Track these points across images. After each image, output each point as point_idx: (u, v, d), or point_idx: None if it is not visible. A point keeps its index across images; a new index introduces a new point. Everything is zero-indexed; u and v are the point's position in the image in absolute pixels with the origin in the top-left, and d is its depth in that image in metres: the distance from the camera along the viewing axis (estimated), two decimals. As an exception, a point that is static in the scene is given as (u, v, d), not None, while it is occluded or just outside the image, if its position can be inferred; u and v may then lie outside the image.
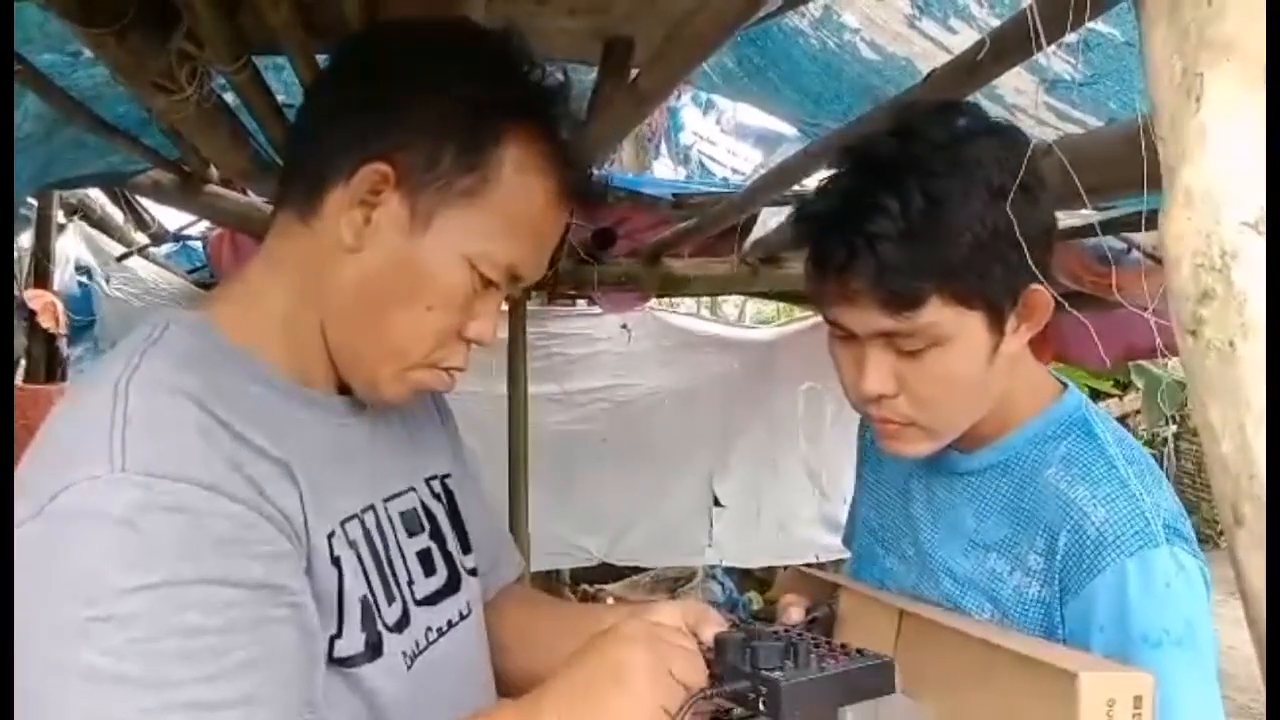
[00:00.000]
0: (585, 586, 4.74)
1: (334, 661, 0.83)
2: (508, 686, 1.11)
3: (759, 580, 4.75)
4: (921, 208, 0.94)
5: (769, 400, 4.79)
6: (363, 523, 0.90)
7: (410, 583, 0.94)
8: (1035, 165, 0.98)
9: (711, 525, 4.80)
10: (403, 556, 0.94)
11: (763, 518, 4.79)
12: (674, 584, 4.72)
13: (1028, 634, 1.03)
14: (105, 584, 0.68)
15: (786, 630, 0.95)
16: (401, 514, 0.97)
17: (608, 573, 4.72)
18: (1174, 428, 8.47)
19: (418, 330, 0.88)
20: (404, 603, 0.92)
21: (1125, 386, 6.23)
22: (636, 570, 4.84)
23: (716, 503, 4.87)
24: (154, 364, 0.79)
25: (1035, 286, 1.00)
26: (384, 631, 0.88)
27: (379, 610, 0.88)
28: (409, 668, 0.89)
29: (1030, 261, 0.97)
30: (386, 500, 0.95)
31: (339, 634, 0.83)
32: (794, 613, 1.13)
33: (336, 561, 0.84)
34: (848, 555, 1.44)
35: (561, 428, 4.51)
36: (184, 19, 1.28)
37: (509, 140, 0.88)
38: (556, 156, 0.91)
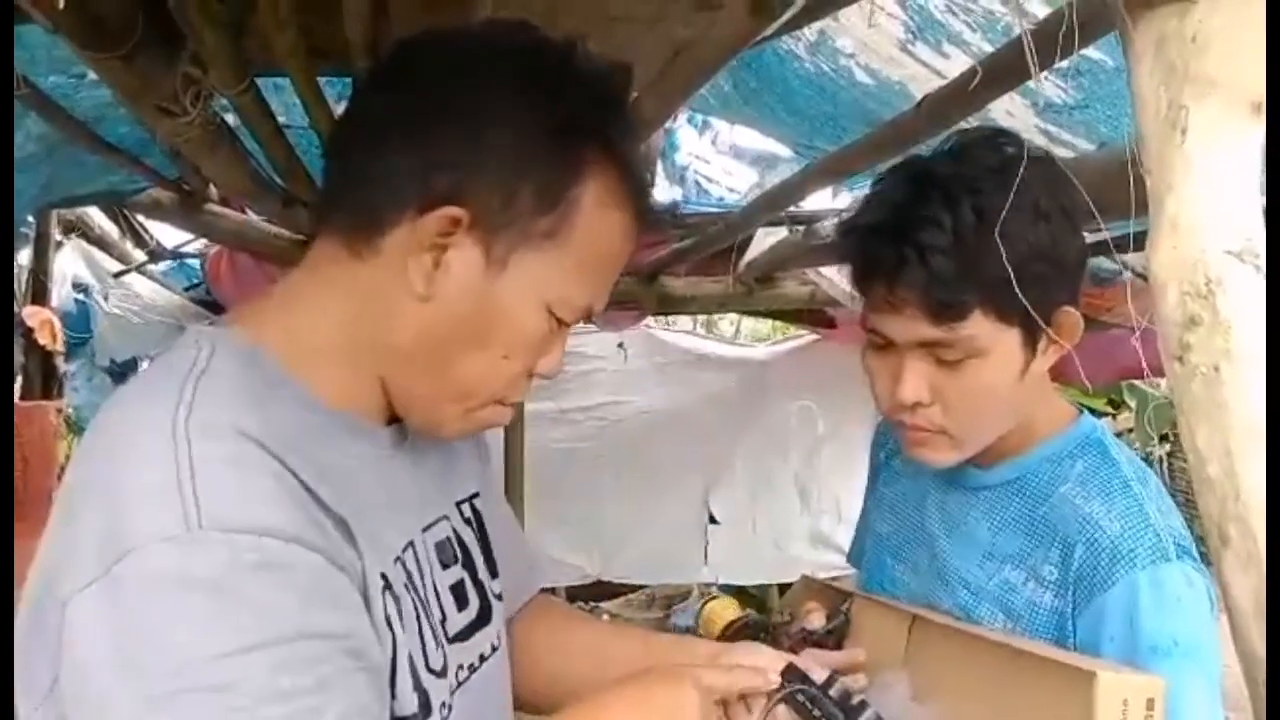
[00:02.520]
0: (581, 604, 4.73)
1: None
2: (528, 704, 1.09)
3: (754, 598, 4.74)
4: (971, 223, 0.98)
5: (763, 418, 4.80)
6: (404, 564, 0.85)
7: (444, 620, 0.90)
8: (1074, 195, 1.02)
9: (707, 543, 4.80)
10: (437, 594, 0.90)
11: (758, 536, 4.79)
12: (669, 601, 4.72)
13: (1040, 642, 1.06)
14: (193, 652, 0.64)
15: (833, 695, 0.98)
16: (437, 545, 0.92)
17: (604, 590, 4.71)
18: (1167, 447, 8.48)
19: (491, 376, 0.83)
20: (441, 644, 0.88)
21: (1119, 405, 6.25)
22: (632, 588, 4.82)
23: (712, 520, 4.87)
24: (210, 402, 0.73)
25: (1068, 308, 1.04)
26: (429, 683, 0.84)
27: (427, 659, 0.85)
28: (447, 716, 0.86)
29: (1067, 285, 1.04)
30: (424, 530, 0.91)
31: (393, 695, 0.79)
32: (815, 619, 1.17)
33: (389, 621, 0.79)
34: (839, 573, 1.46)
35: (557, 445, 4.52)
36: (189, 42, 1.29)
37: (589, 175, 0.81)
38: (633, 187, 0.85)
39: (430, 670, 0.84)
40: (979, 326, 1.01)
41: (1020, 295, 0.98)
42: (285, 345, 0.81)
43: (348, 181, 0.84)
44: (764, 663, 1.00)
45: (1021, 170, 0.93)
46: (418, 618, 0.84)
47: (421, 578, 0.87)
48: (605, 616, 4.72)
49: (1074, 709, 0.89)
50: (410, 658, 0.81)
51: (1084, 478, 1.10)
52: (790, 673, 0.98)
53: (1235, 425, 0.43)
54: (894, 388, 1.08)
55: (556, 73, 0.82)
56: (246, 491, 0.69)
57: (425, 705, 0.82)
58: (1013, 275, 0.97)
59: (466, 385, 0.83)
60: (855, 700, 0.96)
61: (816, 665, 1.03)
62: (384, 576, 0.80)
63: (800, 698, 0.96)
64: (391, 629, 0.79)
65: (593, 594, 4.75)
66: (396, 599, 0.81)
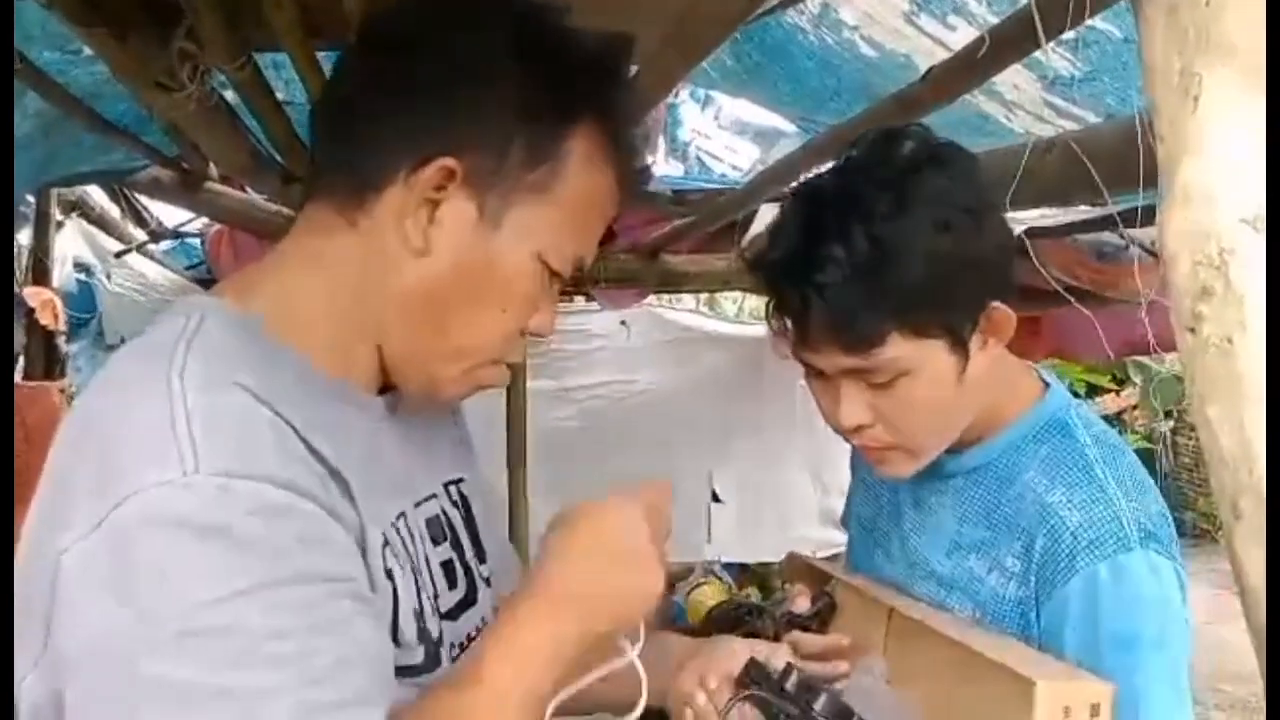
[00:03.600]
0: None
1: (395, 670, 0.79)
2: None
3: (758, 576, 4.75)
4: (867, 252, 0.96)
5: (767, 395, 4.79)
6: (397, 530, 0.85)
7: (436, 595, 0.90)
8: (980, 188, 1.02)
9: (710, 521, 4.81)
10: (429, 567, 0.90)
11: (761, 513, 4.79)
12: (673, 579, 4.72)
13: (1005, 633, 1.05)
14: (194, 596, 0.64)
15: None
16: (427, 520, 0.92)
17: (607, 568, 4.71)
18: (1171, 423, 8.49)
19: (490, 331, 0.84)
20: (436, 617, 0.88)
21: (1123, 382, 6.25)
22: (635, 566, 4.83)
23: (715, 498, 4.88)
24: (202, 358, 0.73)
25: (996, 304, 1.02)
26: (436, 643, 0.85)
27: (426, 622, 0.85)
28: None
29: (988, 283, 1.01)
30: (415, 506, 0.90)
31: (397, 644, 0.80)
32: (801, 601, 1.17)
33: (390, 574, 0.80)
34: (842, 549, 1.46)
35: (560, 424, 4.52)
36: (185, 18, 1.28)
37: (579, 132, 0.83)
38: (621, 145, 0.87)
39: (431, 636, 0.84)
40: (899, 348, 0.99)
41: (934, 311, 0.97)
42: (277, 315, 0.81)
43: (337, 148, 0.84)
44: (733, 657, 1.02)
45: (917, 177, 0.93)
46: (415, 583, 0.85)
47: (413, 548, 0.87)
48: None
49: (1019, 711, 0.89)
50: (414, 610, 0.83)
51: (1047, 464, 1.08)
52: (751, 668, 1.00)
53: (1248, 397, 0.42)
54: (834, 412, 1.07)
55: (550, 32, 0.84)
56: (244, 440, 0.70)
57: (432, 656, 0.83)
58: (922, 293, 0.96)
59: (465, 342, 0.84)
60: (812, 688, 0.96)
61: (779, 655, 1.03)
62: (383, 535, 0.80)
63: (759, 695, 0.97)
64: (392, 580, 0.80)
65: (596, 572, 4.75)
66: (396, 554, 0.82)
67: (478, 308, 0.82)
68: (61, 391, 3.42)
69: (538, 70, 0.81)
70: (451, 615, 0.91)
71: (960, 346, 1.02)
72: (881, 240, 0.95)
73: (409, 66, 0.82)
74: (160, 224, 4.36)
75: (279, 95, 1.75)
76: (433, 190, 0.79)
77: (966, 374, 1.03)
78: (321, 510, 0.71)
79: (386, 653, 0.76)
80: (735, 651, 1.04)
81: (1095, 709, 0.88)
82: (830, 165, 1.12)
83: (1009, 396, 1.12)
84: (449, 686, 0.78)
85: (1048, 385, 1.16)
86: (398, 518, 0.85)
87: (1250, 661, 0.46)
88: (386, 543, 0.80)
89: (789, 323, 1.06)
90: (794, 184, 1.12)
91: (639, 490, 0.91)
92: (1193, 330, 0.47)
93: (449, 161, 0.78)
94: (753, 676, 0.99)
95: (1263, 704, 0.45)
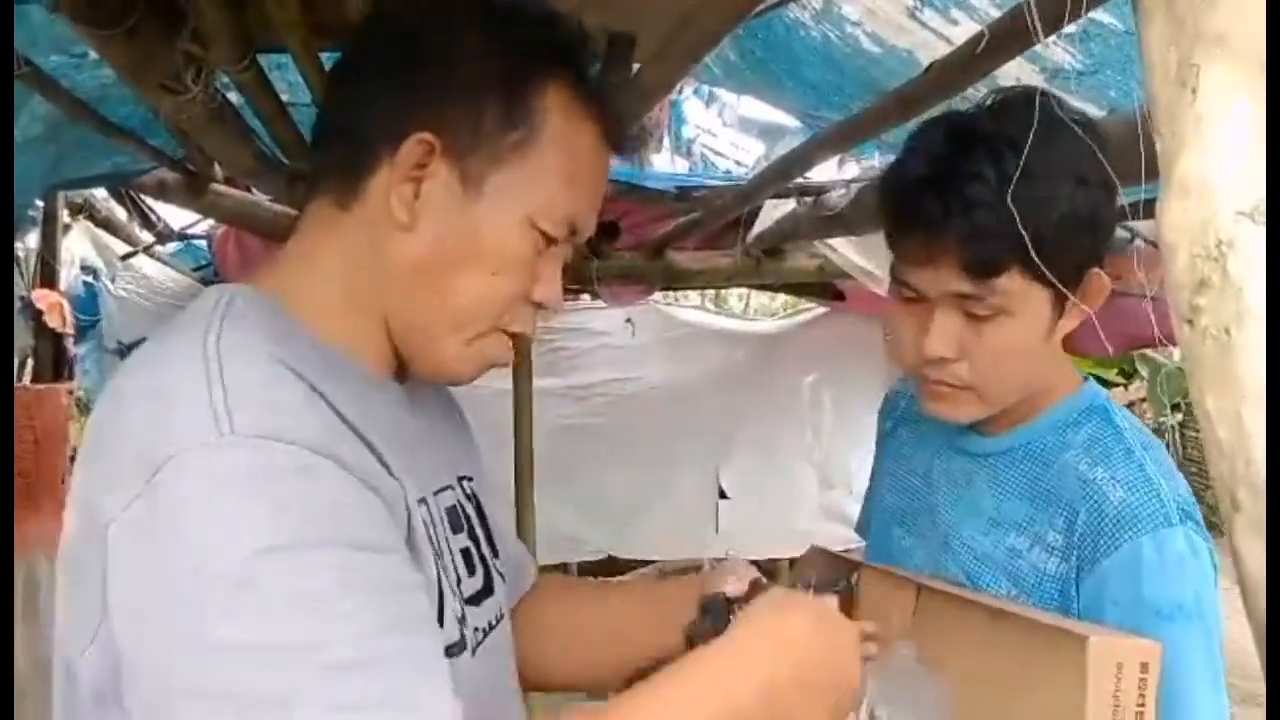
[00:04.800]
0: (592, 579, 4.75)
1: None
2: (546, 676, 1.11)
3: (766, 571, 4.75)
4: (1016, 181, 0.97)
5: (772, 392, 4.80)
6: (428, 508, 0.87)
7: (459, 581, 0.91)
8: (1110, 160, 1.02)
9: (717, 517, 4.81)
10: (450, 553, 0.91)
11: (767, 509, 4.80)
12: (680, 575, 4.73)
13: (1042, 608, 1.06)
14: (236, 550, 0.64)
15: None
16: (447, 509, 0.93)
17: (615, 566, 4.73)
18: (1179, 416, 8.47)
19: (485, 297, 0.85)
20: (460, 600, 0.89)
21: (1130, 375, 6.23)
22: (643, 563, 4.84)
23: (722, 495, 4.88)
24: (237, 330, 0.75)
25: (1098, 271, 1.04)
26: (463, 624, 0.86)
27: (458, 599, 0.87)
28: (475, 663, 0.87)
29: (1098, 248, 1.05)
30: (435, 493, 0.92)
31: (440, 621, 0.81)
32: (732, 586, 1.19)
33: (433, 542, 0.83)
34: (850, 545, 1.46)
35: (566, 421, 4.52)
36: (189, 19, 1.28)
37: (550, 89, 0.85)
38: (597, 101, 0.89)
39: (459, 617, 0.86)
40: (1013, 283, 1.02)
41: (1055, 258, 0.98)
42: (293, 297, 0.84)
43: (331, 144, 0.88)
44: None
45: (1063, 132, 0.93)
46: (440, 566, 0.86)
47: (436, 531, 0.88)
48: (617, 591, 4.73)
49: (1068, 674, 0.89)
50: (451, 586, 0.85)
51: (1088, 444, 1.11)
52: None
53: (1247, 388, 0.42)
54: (921, 341, 1.08)
55: (513, 6, 0.87)
56: (279, 405, 0.71)
57: (462, 639, 0.85)
58: (1051, 237, 0.97)
59: (463, 309, 0.85)
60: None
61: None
62: (415, 506, 0.82)
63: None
64: (434, 545, 0.82)
65: (604, 570, 4.76)
66: (429, 530, 0.84)
67: (469, 274, 0.84)
68: (70, 394, 3.44)
69: (498, 37, 0.84)
70: (474, 601, 0.93)
71: (1060, 301, 1.04)
72: (1030, 174, 0.96)
73: (381, 55, 0.86)
74: (167, 226, 4.38)
75: (283, 97, 1.76)
76: (415, 167, 0.82)
77: (1054, 331, 1.06)
78: (360, 484, 0.72)
79: (435, 623, 0.77)
80: (737, 573, 1.08)
81: (1145, 667, 0.89)
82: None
83: (1053, 379, 1.15)
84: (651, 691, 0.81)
85: (1085, 378, 1.19)
86: (419, 502, 0.86)
87: (1243, 653, 0.46)
88: (424, 518, 0.83)
89: (904, 242, 1.08)
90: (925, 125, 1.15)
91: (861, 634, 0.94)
92: (1191, 322, 0.47)
93: (425, 136, 0.81)
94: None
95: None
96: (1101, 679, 0.88)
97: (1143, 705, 0.89)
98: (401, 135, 0.81)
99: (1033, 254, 0.96)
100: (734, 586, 1.14)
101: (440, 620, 0.81)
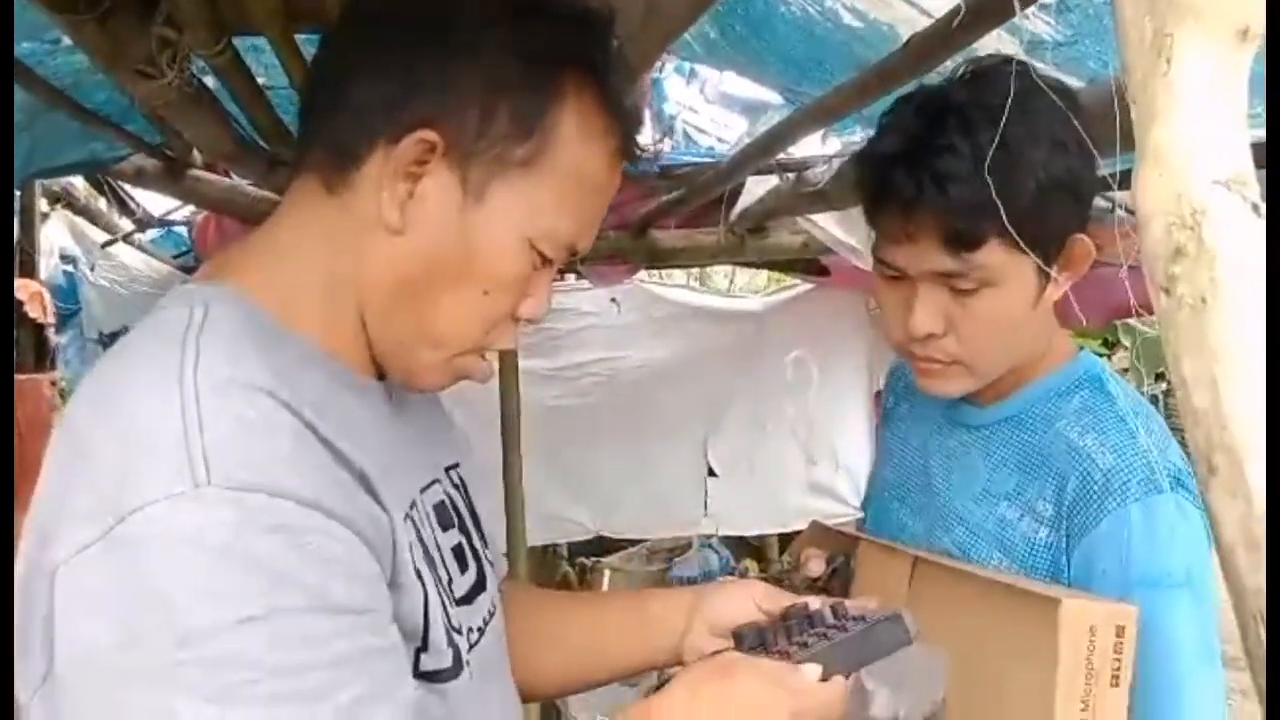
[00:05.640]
0: (582, 560, 4.77)
1: (419, 676, 0.77)
2: (534, 690, 1.07)
3: (754, 548, 4.78)
4: (991, 151, 0.96)
5: (760, 369, 4.80)
6: (413, 521, 0.82)
7: (450, 581, 0.87)
8: (1087, 126, 1.01)
9: (706, 495, 4.83)
10: (440, 553, 0.87)
11: (756, 486, 4.81)
12: (669, 554, 4.75)
13: (1033, 579, 1.07)
14: (199, 620, 0.59)
15: (812, 610, 0.98)
16: (435, 506, 0.89)
17: (604, 545, 4.74)
18: (1163, 385, 8.53)
19: (470, 317, 0.79)
20: (452, 604, 0.86)
21: (1113, 345, 6.26)
22: (633, 542, 4.86)
23: (711, 473, 4.89)
24: (217, 355, 0.68)
25: (1081, 236, 1.04)
26: (456, 638, 0.82)
27: (448, 615, 0.82)
28: (470, 676, 0.85)
29: (1081, 214, 1.05)
30: (422, 492, 0.88)
31: (424, 647, 0.77)
32: (814, 565, 1.19)
33: (418, 572, 0.77)
34: (840, 520, 1.48)
35: (553, 402, 4.52)
36: (163, 3, 1.27)
37: (568, 97, 0.77)
38: (616, 115, 0.81)
39: (453, 627, 0.83)
40: (994, 256, 1.02)
41: (1036, 226, 0.98)
42: (272, 295, 0.77)
43: (321, 119, 0.81)
44: (759, 596, 1.01)
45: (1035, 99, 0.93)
46: (433, 573, 0.83)
47: (426, 536, 0.85)
48: (606, 572, 4.76)
49: (1044, 639, 0.90)
50: (441, 609, 0.80)
51: (1080, 412, 1.11)
52: (794, 611, 0.99)
53: (1222, 355, 0.43)
54: (906, 319, 1.08)
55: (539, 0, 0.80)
56: (261, 450, 0.65)
57: (457, 660, 0.81)
58: (1030, 206, 0.97)
59: (446, 327, 0.80)
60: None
61: (776, 599, 1.03)
62: (404, 528, 0.78)
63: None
64: (421, 580, 0.77)
65: (593, 549, 4.78)
66: (417, 552, 0.80)
67: (458, 291, 0.78)
68: (53, 384, 3.42)
69: (519, 35, 0.77)
70: (467, 600, 0.90)
71: (1045, 269, 1.04)
72: (1006, 142, 0.96)
73: (388, 36, 0.78)
74: (146, 213, 4.34)
75: (261, 80, 1.74)
76: (413, 164, 0.75)
77: (1041, 300, 1.06)
78: (348, 531, 0.67)
79: (403, 690, 0.72)
80: (735, 596, 1.04)
81: (1120, 631, 0.90)
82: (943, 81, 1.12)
83: (1046, 348, 1.15)
84: None
85: (1081, 347, 1.20)
86: (411, 507, 0.82)
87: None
88: (410, 541, 0.78)
89: (882, 220, 1.07)
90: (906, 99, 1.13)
91: (810, 687, 0.86)
92: (1167, 291, 0.48)
93: (428, 134, 0.74)
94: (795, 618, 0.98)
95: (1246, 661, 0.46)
96: (1074, 642, 0.89)
97: (1118, 669, 0.90)
98: (402, 124, 0.75)
99: (1013, 222, 0.96)
100: (815, 567, 1.15)
101: (426, 645, 0.77)
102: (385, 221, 0.76)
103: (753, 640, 0.93)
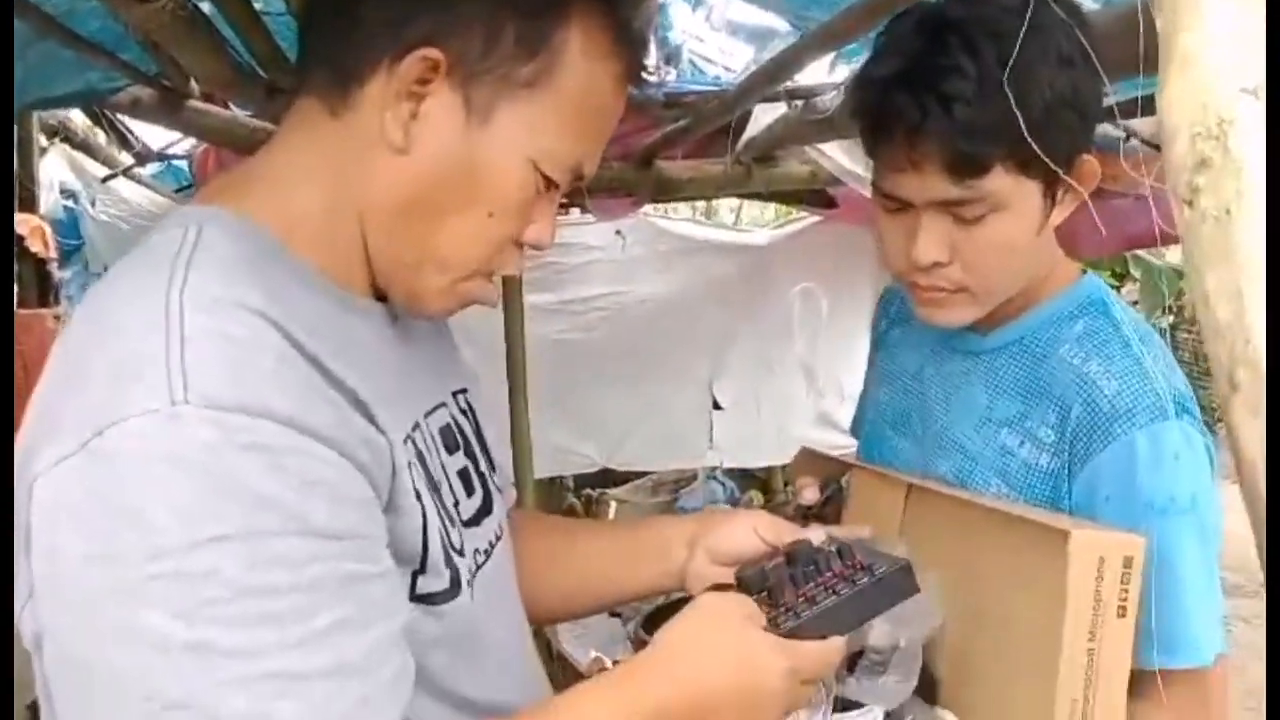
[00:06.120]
0: (589, 492, 4.81)
1: (415, 599, 0.77)
2: (540, 611, 1.08)
3: (759, 480, 4.81)
4: (996, 70, 0.93)
5: (766, 302, 4.79)
6: (415, 443, 0.82)
7: (456, 504, 0.88)
8: (1092, 38, 0.99)
9: (712, 428, 4.85)
10: (446, 476, 0.87)
11: (762, 419, 4.83)
12: (675, 486, 4.78)
13: (1033, 506, 1.07)
14: (171, 536, 0.59)
15: (817, 549, 0.97)
16: (440, 430, 0.89)
17: (610, 477, 4.78)
18: (1171, 318, 8.50)
19: (475, 239, 0.79)
20: (457, 525, 0.86)
21: (1123, 277, 6.23)
22: (639, 474, 4.89)
23: (716, 406, 4.91)
24: (205, 274, 0.68)
25: (1087, 157, 1.02)
26: (456, 559, 0.82)
27: (449, 536, 0.82)
28: (471, 597, 0.85)
29: (1087, 132, 1.03)
30: (426, 415, 0.88)
31: (422, 570, 0.77)
32: (808, 493, 1.19)
33: (418, 494, 0.77)
34: (843, 451, 1.47)
35: (559, 337, 4.52)
36: (153, -78, 1.23)
37: (574, 18, 0.77)
38: (624, 34, 0.80)
39: (453, 547, 0.83)
40: (1000, 181, 0.99)
41: (1043, 146, 0.96)
42: (271, 216, 0.77)
43: (321, 39, 0.80)
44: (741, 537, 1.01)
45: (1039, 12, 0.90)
46: (435, 495, 0.83)
47: (430, 458, 0.85)
48: (612, 504, 4.79)
49: (1051, 569, 0.90)
50: (439, 531, 0.80)
51: (1083, 338, 1.10)
52: (799, 552, 0.98)
53: (1247, 267, 0.42)
54: (909, 249, 1.06)
55: None
56: (243, 368, 0.64)
57: (455, 581, 0.81)
58: (1037, 125, 0.94)
59: (450, 250, 0.79)
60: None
61: (781, 530, 1.03)
62: (403, 450, 0.78)
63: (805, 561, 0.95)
64: (420, 503, 0.77)
65: (599, 481, 4.82)
66: (419, 476, 0.79)
67: (462, 213, 0.77)
68: (56, 319, 3.42)
69: None
70: (474, 522, 0.90)
71: (1052, 191, 1.02)
72: (1009, 61, 0.93)
73: None
74: (145, 147, 4.30)
75: (257, 5, 1.70)
76: (416, 83, 0.74)
77: (1047, 223, 1.04)
78: (336, 454, 0.66)
79: (399, 619, 0.72)
80: (737, 526, 1.04)
81: (1128, 561, 0.90)
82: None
83: (1048, 272, 1.13)
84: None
85: (1084, 270, 1.17)
86: (414, 429, 0.82)
87: (1246, 551, 0.46)
88: (410, 463, 0.78)
89: (882, 148, 1.04)
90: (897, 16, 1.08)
91: (808, 649, 0.86)
92: (1190, 203, 0.46)
93: (432, 52, 0.73)
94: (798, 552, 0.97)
95: (1260, 590, 0.45)
96: (1083, 574, 0.89)
97: (1125, 600, 0.90)
98: (404, 42, 0.74)
99: (1020, 144, 0.93)
100: (810, 495, 1.15)
101: (424, 567, 0.77)
102: (388, 141, 0.75)
103: (757, 586, 0.91)
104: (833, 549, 0.95)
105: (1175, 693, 1.00)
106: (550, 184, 0.81)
